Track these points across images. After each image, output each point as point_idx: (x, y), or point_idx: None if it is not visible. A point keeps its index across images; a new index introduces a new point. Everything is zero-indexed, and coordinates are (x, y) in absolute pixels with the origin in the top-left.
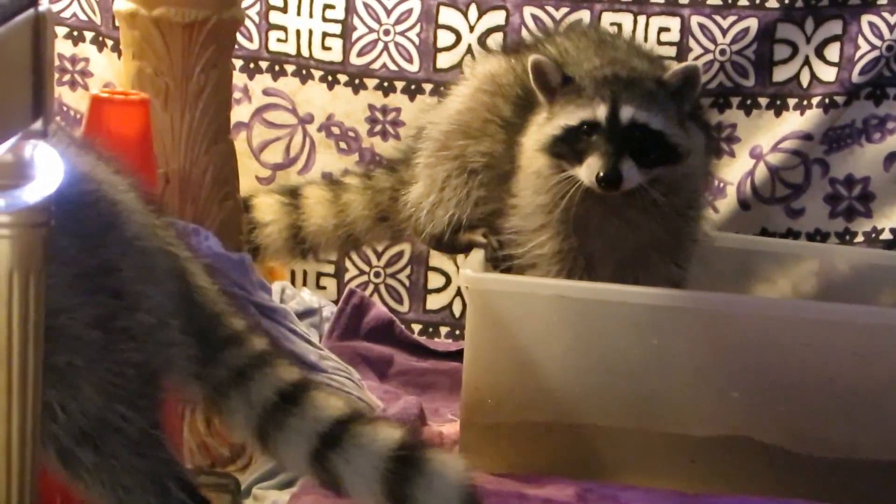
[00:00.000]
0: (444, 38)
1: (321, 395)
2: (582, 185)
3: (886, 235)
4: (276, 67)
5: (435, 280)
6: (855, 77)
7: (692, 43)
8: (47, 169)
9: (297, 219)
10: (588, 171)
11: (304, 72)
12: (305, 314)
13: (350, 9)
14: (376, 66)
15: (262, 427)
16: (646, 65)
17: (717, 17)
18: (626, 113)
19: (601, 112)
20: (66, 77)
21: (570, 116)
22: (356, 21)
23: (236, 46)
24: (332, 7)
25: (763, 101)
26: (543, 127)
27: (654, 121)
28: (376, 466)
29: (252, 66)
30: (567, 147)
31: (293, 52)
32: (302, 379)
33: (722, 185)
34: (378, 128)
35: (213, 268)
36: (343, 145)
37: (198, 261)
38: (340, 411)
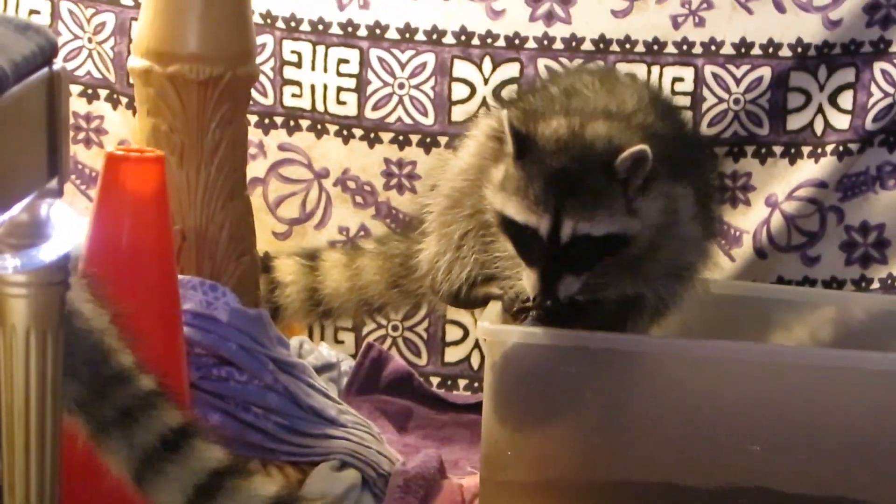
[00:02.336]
0: (459, 91)
1: (202, 444)
2: None
3: None
4: (292, 122)
5: (453, 333)
6: (868, 124)
7: (706, 92)
8: (63, 228)
9: (314, 281)
10: (528, 283)
11: (319, 126)
12: (324, 369)
13: (364, 63)
14: (391, 119)
15: (140, 470)
16: (611, 129)
17: (731, 67)
18: (567, 228)
19: (544, 225)
20: (81, 135)
21: (518, 212)
22: (370, 75)
23: (251, 102)
24: (346, 61)
25: (777, 149)
26: (498, 193)
27: (597, 229)
28: None
29: (267, 121)
30: (512, 234)
31: (308, 106)
32: (185, 424)
33: (738, 233)
34: (394, 181)
35: (100, 289)
36: (359, 199)
37: (84, 290)
38: (219, 462)
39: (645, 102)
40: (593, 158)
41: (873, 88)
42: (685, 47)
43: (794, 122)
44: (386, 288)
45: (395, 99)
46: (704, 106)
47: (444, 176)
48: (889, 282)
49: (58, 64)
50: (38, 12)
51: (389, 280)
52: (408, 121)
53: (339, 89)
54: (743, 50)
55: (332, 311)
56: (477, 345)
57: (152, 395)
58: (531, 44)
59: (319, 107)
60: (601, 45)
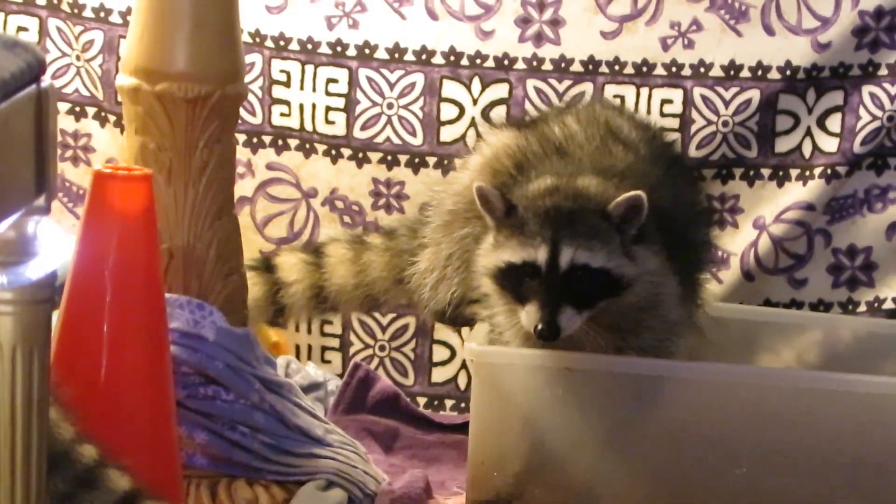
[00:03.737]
0: (448, 112)
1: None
2: None
3: (889, 305)
4: (280, 142)
5: (440, 353)
6: (857, 147)
7: (695, 114)
8: (50, 245)
9: (321, 278)
10: (527, 318)
11: (307, 146)
12: (310, 388)
13: (353, 83)
14: (380, 139)
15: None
16: (598, 186)
17: (720, 89)
18: (566, 256)
19: (541, 255)
20: (69, 153)
21: (514, 253)
22: (359, 95)
23: (239, 121)
24: (335, 81)
25: (766, 171)
26: (490, 254)
27: (595, 259)
28: None
29: (255, 140)
30: (510, 283)
31: (297, 126)
32: (133, 489)
33: (725, 255)
34: (382, 201)
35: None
36: (347, 219)
37: None
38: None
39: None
40: (586, 201)
41: (861, 111)
42: (674, 69)
43: (783, 145)
44: (392, 284)
45: (383, 119)
46: (693, 128)
47: (442, 196)
48: (876, 305)
49: (46, 81)
50: (26, 29)
51: (397, 276)
52: (396, 141)
53: (328, 109)
54: (732, 72)
55: (336, 308)
56: (464, 365)
57: (97, 465)
58: (520, 65)
59: (308, 126)
60: (590, 67)
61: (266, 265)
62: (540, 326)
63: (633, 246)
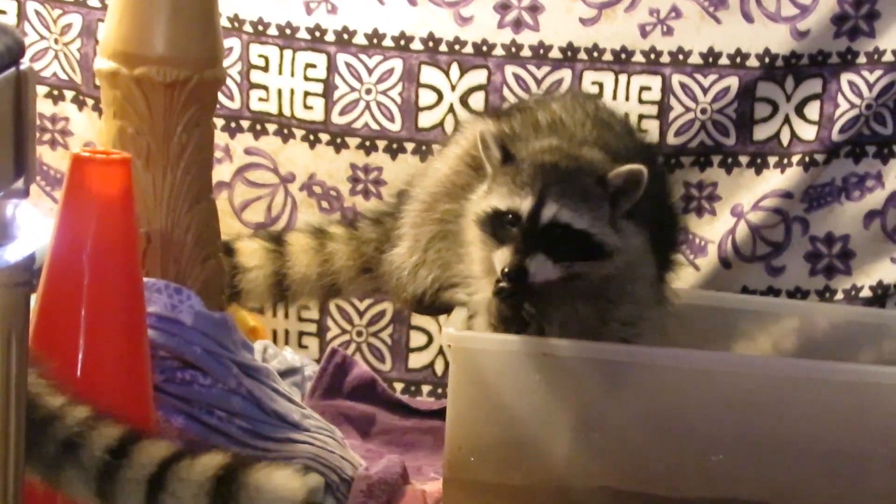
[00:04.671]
0: (426, 97)
1: (147, 443)
2: None
3: (866, 293)
4: (258, 127)
5: (417, 339)
6: (835, 135)
7: (673, 101)
8: (29, 229)
9: (282, 266)
10: (499, 260)
11: (285, 131)
12: (288, 373)
13: (332, 68)
14: (358, 125)
15: (100, 487)
16: (600, 154)
17: (699, 76)
18: (549, 211)
19: (526, 205)
20: (47, 136)
21: (502, 200)
22: (338, 80)
23: (218, 106)
24: (313, 66)
25: (744, 159)
26: (481, 200)
27: (578, 220)
28: (196, 494)
29: (234, 125)
30: (492, 228)
31: (275, 111)
32: (127, 431)
33: (703, 243)
34: (360, 187)
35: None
36: (325, 204)
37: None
38: (166, 451)
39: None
40: (586, 165)
41: (840, 99)
42: (653, 56)
43: (761, 133)
44: (357, 274)
45: (361, 104)
46: (671, 115)
47: (422, 181)
48: (853, 293)
49: (25, 64)
50: (4, 12)
51: (362, 266)
52: (374, 126)
53: (306, 94)
54: (710, 59)
55: (298, 296)
56: (441, 351)
57: (89, 420)
58: (499, 51)
59: (286, 111)
60: (569, 53)
61: (226, 248)
62: (507, 269)
63: (622, 220)
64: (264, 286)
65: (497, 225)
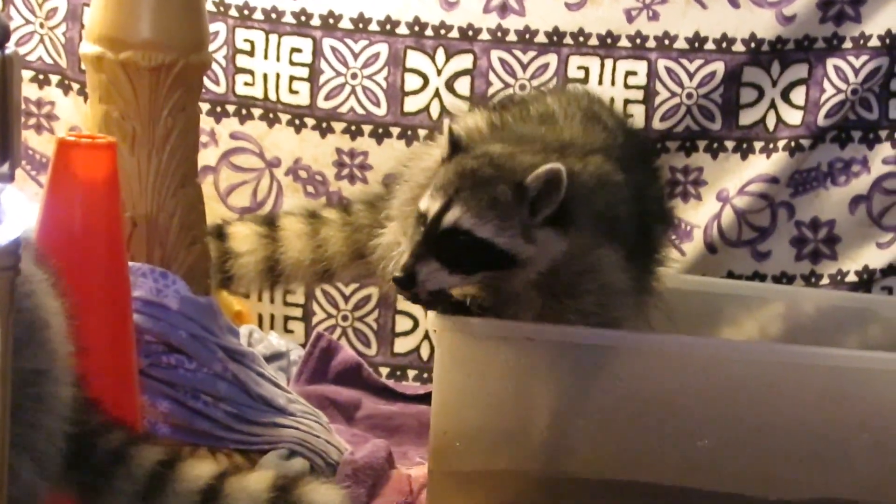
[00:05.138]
0: (412, 82)
1: (193, 461)
2: None
3: (852, 278)
4: (244, 111)
5: (403, 323)
6: (820, 120)
7: (659, 86)
8: (14, 213)
9: (275, 251)
10: (394, 262)
11: (271, 115)
12: (273, 358)
13: (317, 52)
14: (343, 109)
15: (146, 499)
16: (547, 160)
17: (684, 61)
18: (452, 216)
19: (433, 208)
20: (32, 120)
21: (423, 200)
22: (323, 65)
23: (203, 90)
24: (299, 51)
25: (729, 144)
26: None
27: (481, 229)
28: None
29: (219, 109)
30: (414, 225)
31: (260, 95)
32: (172, 450)
33: (689, 228)
34: (345, 171)
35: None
36: (310, 189)
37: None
38: (213, 470)
39: (615, 143)
40: (508, 170)
41: (826, 84)
42: (638, 41)
43: (747, 118)
44: (350, 259)
45: (347, 89)
46: (657, 100)
47: (408, 168)
48: (839, 278)
49: (10, 48)
50: None
51: (355, 252)
52: (360, 111)
53: (292, 78)
54: (696, 44)
55: (290, 281)
56: (427, 336)
57: (134, 438)
58: (485, 35)
59: (272, 96)
60: (555, 38)
61: (218, 233)
62: (396, 273)
63: (546, 226)
64: (256, 272)
65: (417, 223)
